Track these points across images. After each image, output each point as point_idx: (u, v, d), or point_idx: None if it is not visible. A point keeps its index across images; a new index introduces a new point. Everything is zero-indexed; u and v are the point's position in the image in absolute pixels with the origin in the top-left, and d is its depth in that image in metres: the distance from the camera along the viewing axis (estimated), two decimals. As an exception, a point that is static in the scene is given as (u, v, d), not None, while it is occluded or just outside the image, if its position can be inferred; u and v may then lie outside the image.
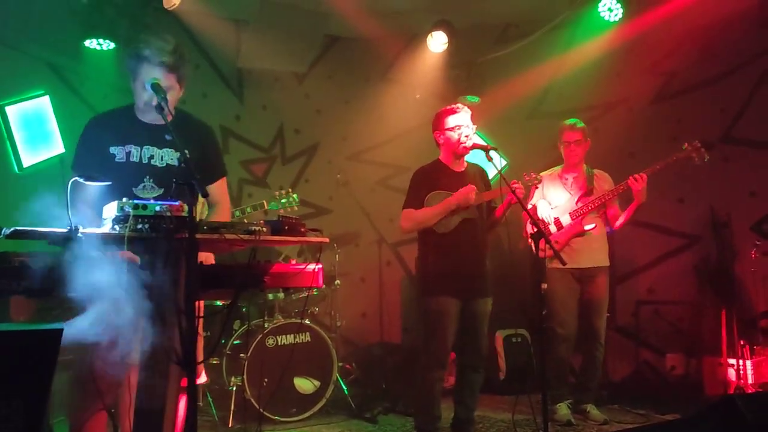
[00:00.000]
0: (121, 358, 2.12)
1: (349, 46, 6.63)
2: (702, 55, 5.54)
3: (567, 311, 4.26)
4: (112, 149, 2.68)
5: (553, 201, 4.39)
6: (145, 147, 2.70)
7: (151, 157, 2.71)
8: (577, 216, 4.26)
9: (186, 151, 2.26)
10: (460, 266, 3.62)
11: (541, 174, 4.41)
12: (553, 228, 4.28)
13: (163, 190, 2.69)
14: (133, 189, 2.65)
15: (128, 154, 2.68)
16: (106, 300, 1.96)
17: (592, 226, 4.24)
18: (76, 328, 1.90)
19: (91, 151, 2.68)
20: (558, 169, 4.52)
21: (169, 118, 2.50)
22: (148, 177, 2.68)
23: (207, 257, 2.79)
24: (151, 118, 2.73)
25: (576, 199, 4.32)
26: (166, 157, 2.72)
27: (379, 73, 6.66)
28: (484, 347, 3.73)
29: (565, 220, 4.29)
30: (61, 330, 1.74)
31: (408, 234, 3.82)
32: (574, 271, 4.23)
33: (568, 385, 4.42)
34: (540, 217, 4.27)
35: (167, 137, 2.70)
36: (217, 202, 2.93)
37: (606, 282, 4.36)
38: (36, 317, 1.95)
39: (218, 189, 2.93)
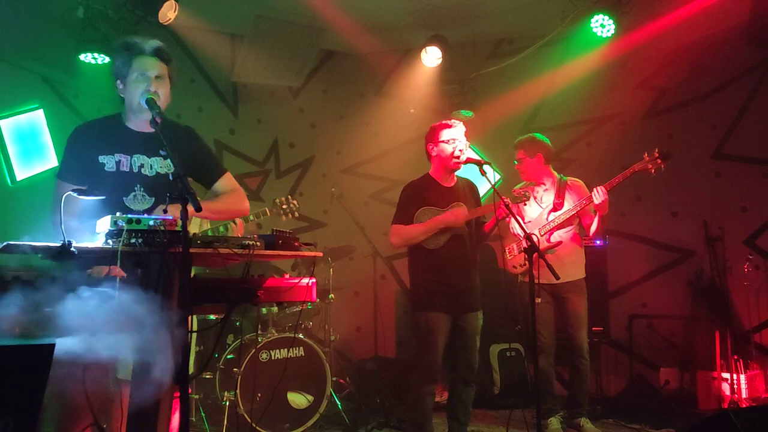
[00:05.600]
0: (113, 375, 2.10)
1: (343, 61, 6.67)
2: (692, 71, 5.61)
3: (542, 324, 4.23)
4: (102, 158, 2.61)
5: (527, 216, 4.38)
6: (134, 156, 2.66)
7: (141, 165, 2.66)
8: (545, 232, 4.26)
9: (171, 159, 2.23)
10: (450, 282, 3.62)
11: (516, 187, 4.40)
12: (524, 244, 4.27)
13: (154, 199, 2.65)
14: (124, 198, 2.60)
15: (118, 163, 2.63)
16: (98, 316, 1.95)
17: (557, 241, 4.22)
18: (67, 344, 1.89)
19: (78, 159, 2.62)
20: (531, 183, 4.46)
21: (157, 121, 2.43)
22: (138, 186, 2.63)
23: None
24: (140, 125, 2.70)
25: (545, 214, 4.31)
26: (156, 165, 2.68)
27: (374, 88, 6.70)
28: (476, 362, 3.72)
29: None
30: (53, 345, 1.73)
31: (399, 249, 3.83)
32: (546, 286, 4.20)
33: (559, 398, 4.40)
34: (514, 233, 4.27)
35: (158, 147, 2.61)
36: (231, 190, 2.89)
37: (581, 295, 4.30)
38: (27, 332, 1.94)
39: (227, 181, 2.89)
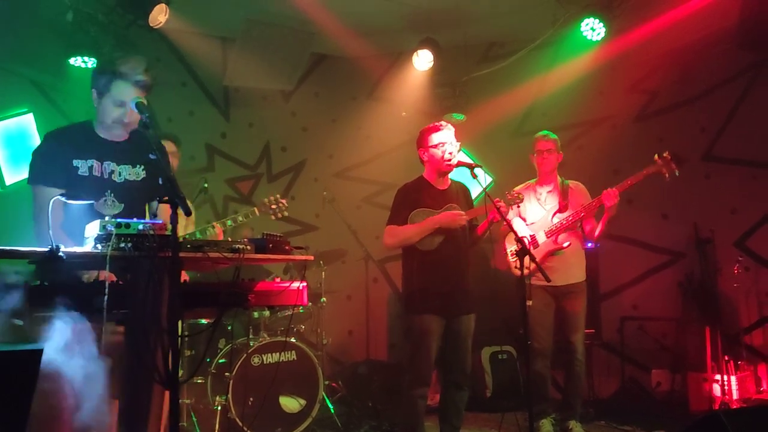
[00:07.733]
0: (104, 388, 2.08)
1: (335, 64, 6.67)
2: (683, 74, 5.65)
3: (542, 327, 4.24)
4: (75, 162, 2.67)
5: (529, 218, 4.39)
6: (105, 162, 2.72)
7: (112, 172, 2.73)
8: (552, 234, 4.27)
9: (161, 164, 2.24)
10: (444, 284, 3.62)
11: (516, 189, 4.40)
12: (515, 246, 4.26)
13: (123, 205, 2.70)
14: (95, 203, 2.65)
15: (91, 168, 2.68)
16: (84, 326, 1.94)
17: (567, 243, 4.23)
18: (56, 356, 1.87)
19: (52, 162, 2.65)
20: (532, 182, 4.47)
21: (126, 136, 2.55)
22: (109, 192, 2.69)
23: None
24: (111, 134, 2.76)
25: (551, 216, 4.32)
26: (125, 172, 2.75)
27: (366, 91, 6.70)
28: (469, 365, 3.72)
29: (541, 237, 4.29)
30: (41, 351, 1.71)
31: (393, 250, 3.83)
32: (549, 288, 4.19)
33: (552, 401, 4.40)
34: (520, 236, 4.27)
35: (128, 155, 2.71)
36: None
37: (582, 297, 4.31)
38: (14, 337, 1.92)
39: (165, 208, 2.88)
